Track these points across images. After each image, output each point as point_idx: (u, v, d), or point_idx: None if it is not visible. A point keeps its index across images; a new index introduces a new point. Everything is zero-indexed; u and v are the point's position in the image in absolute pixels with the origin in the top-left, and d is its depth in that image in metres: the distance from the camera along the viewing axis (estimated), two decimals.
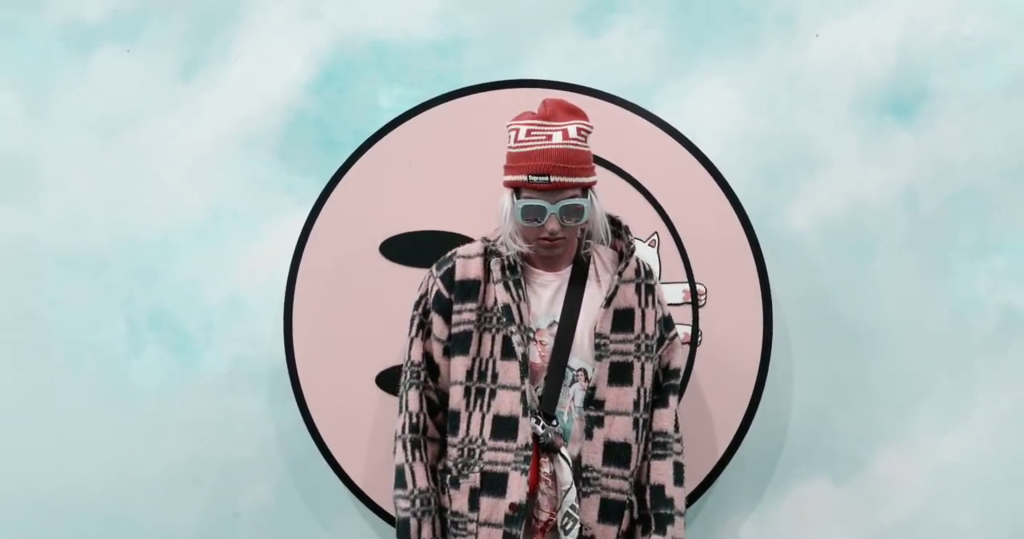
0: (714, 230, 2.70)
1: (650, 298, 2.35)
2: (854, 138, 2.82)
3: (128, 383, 2.86)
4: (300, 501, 2.83)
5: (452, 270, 2.34)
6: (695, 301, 2.70)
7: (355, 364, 2.71)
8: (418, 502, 2.30)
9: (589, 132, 2.24)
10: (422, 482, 2.31)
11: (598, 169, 2.34)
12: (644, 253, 2.55)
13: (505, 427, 2.25)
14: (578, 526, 2.23)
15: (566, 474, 2.23)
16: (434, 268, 2.38)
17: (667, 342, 2.40)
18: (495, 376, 2.28)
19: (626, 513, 2.31)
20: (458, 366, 2.31)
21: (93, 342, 2.87)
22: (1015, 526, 2.80)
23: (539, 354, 2.30)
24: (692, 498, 2.68)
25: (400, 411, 2.37)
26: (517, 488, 2.22)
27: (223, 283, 2.86)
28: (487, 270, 2.33)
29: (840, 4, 2.83)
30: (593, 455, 2.27)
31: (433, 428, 2.37)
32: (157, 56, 2.89)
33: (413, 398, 2.35)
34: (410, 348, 2.37)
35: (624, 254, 2.36)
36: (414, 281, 2.44)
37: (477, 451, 2.27)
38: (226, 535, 2.85)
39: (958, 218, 2.80)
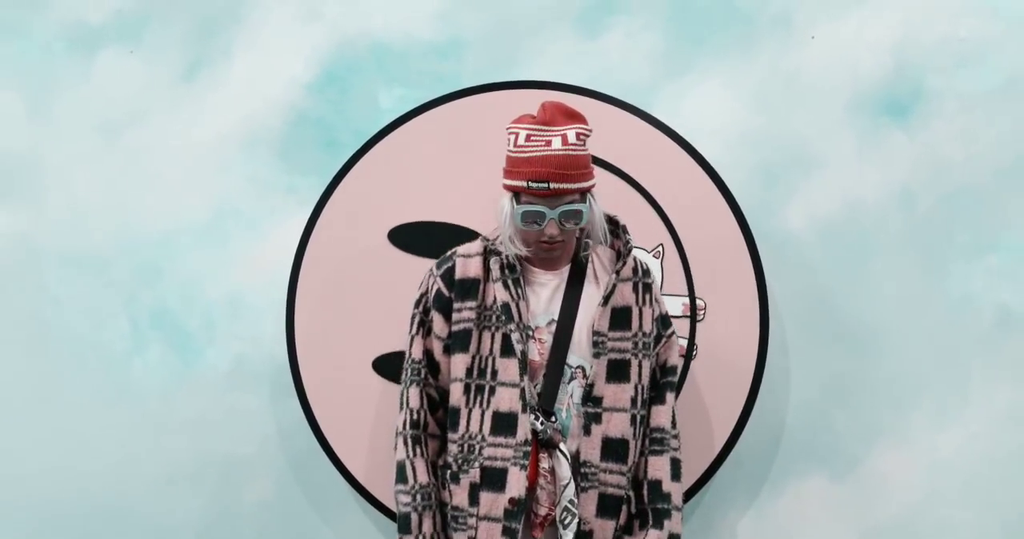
0: (711, 229, 2.71)
1: (647, 296, 2.37)
2: (850, 138, 2.83)
3: (131, 381, 2.88)
4: (301, 497, 2.84)
5: (452, 269, 2.36)
6: (694, 315, 2.72)
7: (356, 363, 2.72)
8: (419, 497, 2.31)
9: (588, 135, 2.25)
10: (423, 477, 2.33)
11: (597, 170, 2.34)
12: (648, 264, 2.57)
13: (504, 423, 2.26)
14: (576, 520, 2.25)
15: (565, 469, 2.25)
16: (434, 267, 2.40)
17: (664, 340, 2.42)
18: (495, 373, 2.29)
19: (624, 508, 2.33)
20: (458, 363, 2.32)
21: (96, 340, 2.88)
22: (1010, 522, 2.81)
23: (538, 352, 2.31)
24: (690, 494, 2.69)
25: (401, 408, 2.38)
26: (516, 483, 2.24)
27: (225, 282, 2.87)
28: (487, 269, 2.35)
29: (836, 6, 2.84)
30: (591, 451, 2.29)
31: (434, 424, 2.39)
32: (160, 57, 2.90)
33: (414, 395, 2.36)
34: (411, 346, 2.39)
35: (622, 253, 2.38)
36: (415, 278, 2.45)
37: (477, 447, 2.28)
38: (228, 531, 2.86)
39: (954, 218, 2.82)
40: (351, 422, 2.71)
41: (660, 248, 2.71)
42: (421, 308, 2.39)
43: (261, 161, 2.88)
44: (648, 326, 2.36)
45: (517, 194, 2.25)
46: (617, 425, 2.30)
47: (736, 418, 2.70)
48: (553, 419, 2.28)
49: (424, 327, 2.38)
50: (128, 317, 2.88)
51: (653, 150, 2.73)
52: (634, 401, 2.32)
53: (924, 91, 2.83)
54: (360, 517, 2.82)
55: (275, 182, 2.88)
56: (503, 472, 2.25)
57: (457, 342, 2.33)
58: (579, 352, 2.32)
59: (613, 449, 2.29)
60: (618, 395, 2.31)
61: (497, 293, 2.31)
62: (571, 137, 2.22)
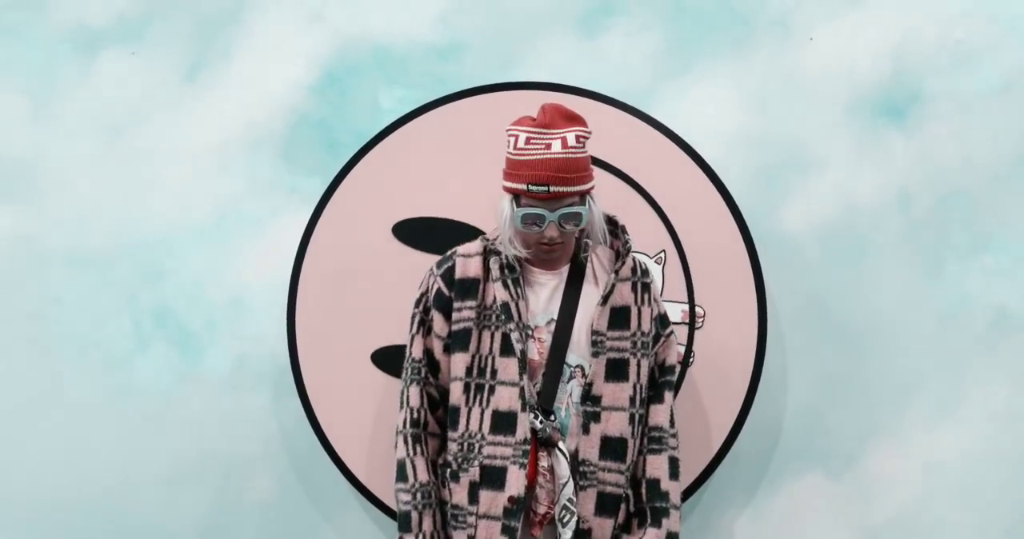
0: (710, 229, 2.72)
1: (646, 296, 2.38)
2: (848, 140, 2.85)
3: (133, 380, 2.88)
4: (303, 496, 2.85)
5: (452, 269, 2.37)
6: (692, 322, 2.73)
7: (356, 363, 2.73)
8: (419, 495, 2.32)
9: (588, 138, 2.26)
10: (423, 475, 2.34)
11: (597, 172, 2.36)
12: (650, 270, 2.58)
13: (504, 422, 2.28)
14: (575, 519, 2.26)
15: (564, 468, 2.26)
16: (434, 266, 2.41)
17: (663, 339, 2.43)
18: (494, 372, 2.30)
19: (622, 506, 2.34)
20: (458, 362, 2.33)
21: (98, 340, 2.89)
22: (1005, 522, 2.83)
23: (537, 351, 2.33)
24: (688, 493, 2.70)
25: (401, 407, 2.39)
26: (516, 481, 2.25)
27: (227, 282, 2.87)
28: (486, 269, 2.36)
29: (834, 8, 2.85)
30: (590, 449, 2.30)
31: (434, 423, 2.40)
32: (162, 58, 2.91)
33: (414, 394, 2.37)
34: (411, 345, 2.40)
35: (621, 253, 2.39)
36: (416, 276, 2.45)
37: (477, 445, 2.29)
38: (230, 530, 2.87)
39: (950, 219, 2.83)
40: (352, 421, 2.72)
41: (662, 254, 2.73)
42: (421, 307, 2.40)
43: (262, 162, 2.89)
44: (647, 326, 2.37)
45: (517, 196, 2.26)
46: (616, 424, 2.31)
47: (734, 417, 2.72)
48: (552, 418, 2.29)
49: (424, 326, 2.39)
50: (130, 317, 2.89)
51: (652, 151, 2.75)
52: (633, 400, 2.33)
53: (921, 93, 2.84)
54: (361, 516, 2.83)
55: (276, 183, 2.88)
56: (502, 471, 2.26)
57: (457, 341, 2.34)
58: (578, 351, 2.33)
59: (612, 448, 2.31)
60: (617, 394, 2.32)
61: (497, 293, 2.32)
62: (571, 140, 2.23)
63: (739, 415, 2.72)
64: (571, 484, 2.26)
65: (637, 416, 2.35)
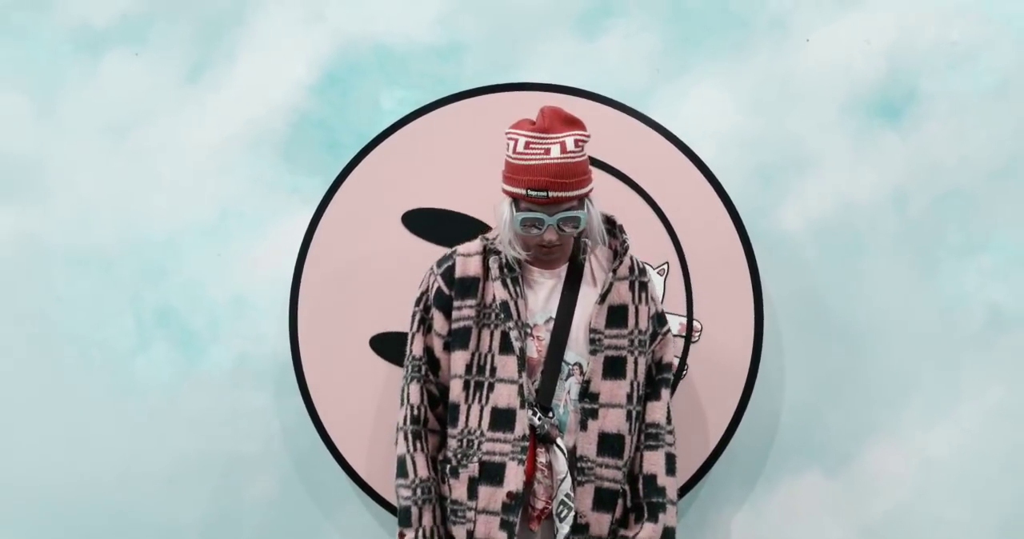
0: (707, 228, 2.74)
1: (643, 295, 2.40)
2: (845, 140, 2.86)
3: (135, 379, 2.89)
4: (304, 493, 2.86)
5: (452, 268, 2.38)
6: (689, 336, 2.74)
7: (357, 362, 2.74)
8: (419, 491, 2.34)
9: (587, 142, 2.27)
10: (423, 471, 2.35)
11: (598, 174, 2.36)
12: (655, 282, 2.60)
13: (503, 419, 2.29)
14: (573, 514, 2.27)
15: (561, 464, 2.27)
16: (435, 266, 2.42)
17: (660, 337, 2.44)
18: (493, 370, 2.32)
19: (620, 502, 2.35)
20: (458, 360, 2.35)
21: (101, 339, 2.89)
22: (1001, 518, 2.83)
23: (536, 349, 2.34)
24: (686, 489, 2.72)
25: (402, 404, 2.41)
26: (514, 477, 2.26)
27: (229, 281, 2.88)
28: (486, 268, 2.37)
29: (831, 10, 2.86)
30: (588, 446, 2.31)
31: (434, 420, 2.41)
32: (164, 59, 2.91)
33: (414, 391, 2.39)
34: (411, 343, 2.41)
35: (619, 252, 2.40)
36: (417, 274, 2.46)
37: (476, 442, 2.31)
38: (232, 527, 2.88)
39: (946, 218, 2.84)
40: (353, 419, 2.74)
41: (665, 266, 2.74)
42: (422, 306, 2.41)
43: (264, 162, 2.90)
44: (644, 324, 2.38)
45: (516, 200, 2.27)
46: (613, 421, 2.33)
47: (731, 415, 2.73)
48: (550, 415, 2.31)
49: (425, 325, 2.40)
50: (133, 316, 2.90)
51: (650, 151, 2.76)
52: (630, 397, 2.35)
53: (917, 93, 2.86)
54: (362, 512, 2.84)
55: (278, 183, 2.89)
56: (501, 467, 2.28)
57: (457, 339, 2.36)
58: (576, 349, 2.34)
59: (609, 444, 2.32)
60: (614, 391, 2.34)
61: (496, 291, 2.34)
62: (569, 145, 2.24)
63: (736, 412, 2.73)
64: (569, 480, 2.28)
65: (634, 413, 2.36)
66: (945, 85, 2.85)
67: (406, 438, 2.38)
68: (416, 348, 2.41)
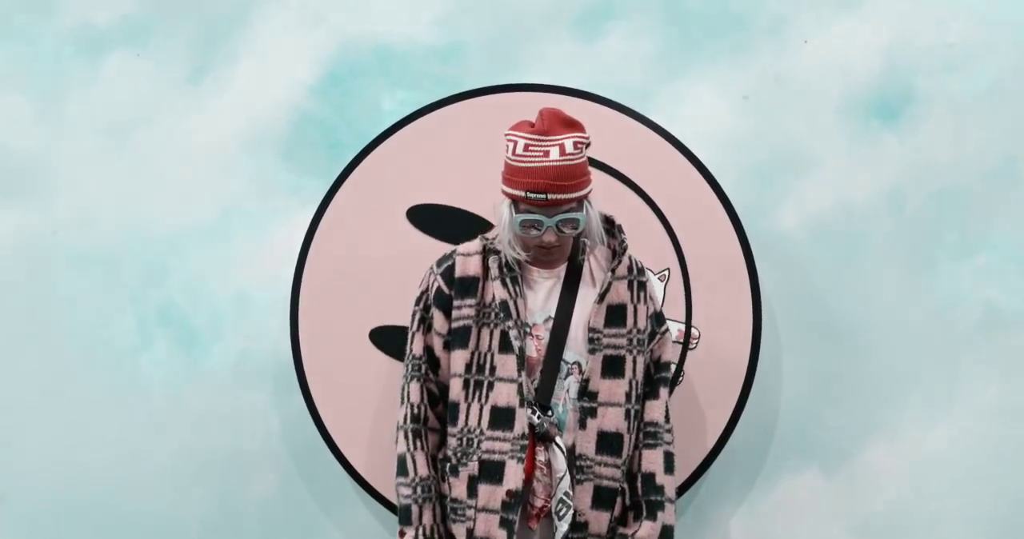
0: (706, 228, 2.74)
1: (642, 294, 2.41)
2: (842, 141, 2.86)
3: (137, 377, 2.89)
4: (304, 491, 2.87)
5: (452, 267, 2.39)
6: (686, 343, 2.75)
7: (358, 362, 2.75)
8: (419, 489, 2.35)
9: (586, 144, 2.27)
10: (423, 470, 2.36)
11: (597, 175, 2.37)
12: (654, 285, 2.60)
13: (502, 418, 2.30)
14: (571, 512, 2.28)
15: (560, 462, 2.28)
16: (435, 265, 2.43)
17: (658, 336, 2.45)
18: (493, 369, 2.33)
19: (618, 500, 2.36)
20: (458, 359, 2.35)
21: (103, 337, 2.90)
22: (997, 516, 2.84)
23: (535, 348, 2.35)
24: (684, 488, 2.72)
25: (402, 403, 2.41)
26: (514, 476, 2.27)
27: (230, 280, 2.89)
28: (485, 267, 2.38)
29: (829, 12, 2.87)
30: (587, 444, 2.32)
31: (433, 419, 2.42)
32: (166, 60, 2.92)
33: (414, 390, 2.40)
34: (411, 342, 2.42)
35: (617, 252, 2.41)
36: (417, 273, 2.47)
37: (475, 440, 2.32)
38: (233, 525, 2.89)
39: (942, 218, 2.85)
40: (353, 417, 2.74)
41: (666, 272, 2.75)
42: (422, 305, 2.42)
43: (266, 162, 2.90)
44: (643, 323, 2.39)
45: (515, 202, 2.28)
46: (612, 419, 2.34)
47: (730, 413, 2.73)
48: (550, 413, 2.32)
49: (425, 324, 2.41)
50: (135, 314, 2.91)
51: (649, 152, 2.76)
52: (628, 396, 2.35)
53: (914, 95, 2.86)
54: (362, 510, 2.85)
55: (279, 183, 2.90)
56: (501, 465, 2.29)
57: (457, 338, 2.36)
58: (575, 348, 2.35)
59: (608, 443, 2.33)
60: (613, 390, 2.34)
61: (496, 291, 2.35)
62: (568, 147, 2.24)
63: (734, 411, 2.73)
64: (568, 478, 2.28)
65: (633, 412, 2.37)
66: (942, 87, 2.86)
67: (406, 437, 2.39)
68: (416, 347, 2.42)
